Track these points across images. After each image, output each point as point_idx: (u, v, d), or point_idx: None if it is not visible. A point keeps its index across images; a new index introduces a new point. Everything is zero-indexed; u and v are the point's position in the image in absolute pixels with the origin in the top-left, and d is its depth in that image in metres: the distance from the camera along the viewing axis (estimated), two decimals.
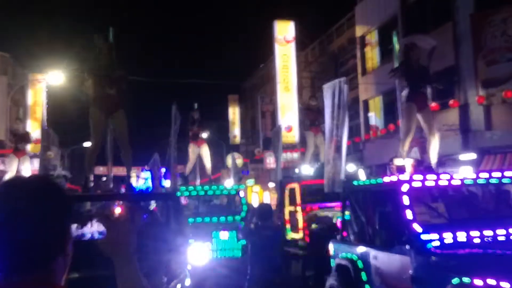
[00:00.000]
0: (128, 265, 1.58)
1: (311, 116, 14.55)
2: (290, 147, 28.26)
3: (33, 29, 66.48)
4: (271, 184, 30.41)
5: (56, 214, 1.40)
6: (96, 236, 7.77)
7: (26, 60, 36.12)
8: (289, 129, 28.18)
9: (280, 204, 12.99)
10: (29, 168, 13.58)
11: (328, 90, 10.75)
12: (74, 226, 7.80)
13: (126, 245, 1.60)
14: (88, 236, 7.90)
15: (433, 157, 8.14)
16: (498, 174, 6.82)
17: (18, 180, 1.52)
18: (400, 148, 8.30)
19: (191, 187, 13.31)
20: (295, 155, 27.66)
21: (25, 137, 13.92)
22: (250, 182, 36.24)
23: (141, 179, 15.80)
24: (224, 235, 11.39)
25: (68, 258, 1.45)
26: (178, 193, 10.92)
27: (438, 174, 7.08)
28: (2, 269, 1.36)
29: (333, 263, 7.81)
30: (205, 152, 14.52)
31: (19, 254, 1.35)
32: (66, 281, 1.46)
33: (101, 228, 7.51)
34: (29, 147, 14.71)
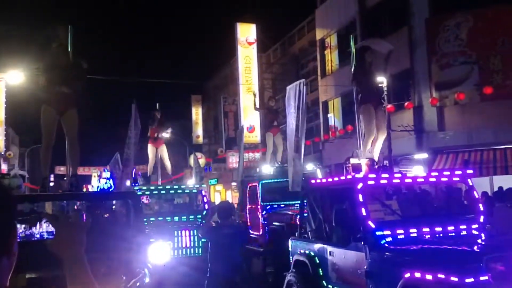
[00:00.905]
0: (78, 265, 1.55)
1: (270, 117, 14.78)
2: (252, 147, 28.45)
3: None
4: (234, 183, 30.52)
5: None
6: (45, 236, 7.65)
7: None
8: (252, 129, 28.38)
9: (242, 202, 13.14)
10: None
11: (290, 91, 10.97)
12: (22, 227, 7.69)
13: (75, 245, 1.57)
14: (37, 236, 7.78)
15: (376, 153, 8.37)
16: (448, 173, 7.14)
17: None
18: (362, 148, 8.51)
19: (153, 187, 13.34)
20: (257, 155, 27.90)
21: None
22: (213, 181, 36.23)
23: (102, 179, 15.65)
24: (185, 233, 11.44)
25: (14, 257, 1.38)
26: (139, 192, 10.90)
27: (391, 173, 7.34)
28: None
29: (291, 259, 7.98)
30: (164, 152, 14.51)
31: None
32: (11, 281, 1.41)
33: (50, 228, 7.42)
34: None
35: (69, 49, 7.24)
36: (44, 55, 7.14)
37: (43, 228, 7.69)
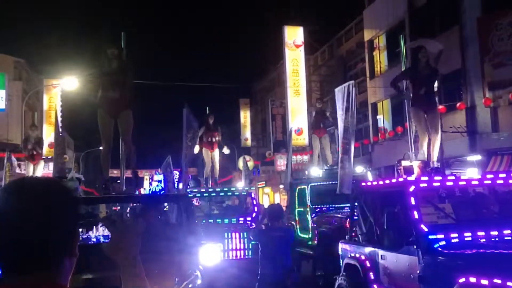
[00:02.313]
0: (132, 267, 1.62)
1: (317, 118, 14.73)
2: (300, 150, 28.42)
3: (47, 35, 67.29)
4: (282, 186, 30.57)
5: (64, 215, 1.39)
6: (102, 240, 7.90)
7: (41, 66, 36.61)
8: (299, 132, 28.34)
9: (290, 205, 13.16)
10: (41, 172, 13.82)
11: (338, 93, 10.91)
12: (80, 230, 7.98)
13: (129, 248, 1.65)
14: (94, 240, 8.04)
15: (435, 156, 8.23)
16: (504, 175, 6.93)
17: (26, 180, 1.49)
18: (419, 150, 8.37)
19: (203, 189, 13.53)
20: (305, 157, 27.82)
21: (38, 143, 14.20)
22: (261, 184, 36.39)
23: (154, 182, 16.01)
24: (235, 236, 11.54)
25: (75, 259, 1.44)
26: (190, 195, 11.08)
27: (444, 176, 7.19)
28: (9, 269, 1.35)
29: (341, 263, 7.94)
30: (217, 156, 14.74)
31: (26, 254, 1.33)
32: (71, 281, 1.45)
33: (106, 232, 7.66)
34: (44, 152, 14.98)
35: (123, 55, 7.49)
36: (99, 62, 7.42)
37: (100, 232, 7.95)
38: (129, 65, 7.58)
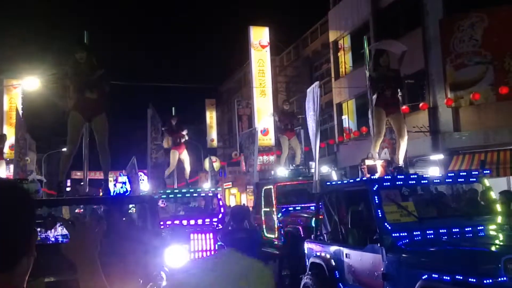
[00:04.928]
0: (91, 270, 1.57)
1: (285, 120, 14.70)
2: (266, 150, 28.47)
3: (7, 34, 65.51)
4: (250, 187, 30.58)
5: (20, 216, 1.38)
6: (60, 239, 7.74)
7: (0, 65, 35.61)
8: (265, 132, 28.40)
9: (257, 205, 13.16)
10: (4, 172, 13.45)
11: (309, 94, 10.95)
12: (38, 230, 7.77)
13: (88, 249, 1.59)
14: (52, 240, 7.87)
15: (401, 158, 8.37)
16: (465, 174, 7.10)
17: None
18: (371, 150, 8.51)
19: (169, 190, 13.41)
20: (271, 157, 27.90)
21: (1, 139, 13.81)
22: (227, 184, 36.28)
23: (118, 183, 15.77)
24: (201, 237, 11.47)
25: (32, 259, 1.42)
26: (156, 196, 10.96)
27: (407, 175, 7.30)
28: None
29: (307, 262, 7.98)
30: (185, 157, 14.66)
31: None
32: (31, 284, 1.45)
33: (65, 231, 7.50)
34: (5, 151, 14.59)
35: (92, 57, 7.28)
36: (69, 63, 7.21)
37: (58, 232, 7.80)
38: (101, 67, 7.33)
